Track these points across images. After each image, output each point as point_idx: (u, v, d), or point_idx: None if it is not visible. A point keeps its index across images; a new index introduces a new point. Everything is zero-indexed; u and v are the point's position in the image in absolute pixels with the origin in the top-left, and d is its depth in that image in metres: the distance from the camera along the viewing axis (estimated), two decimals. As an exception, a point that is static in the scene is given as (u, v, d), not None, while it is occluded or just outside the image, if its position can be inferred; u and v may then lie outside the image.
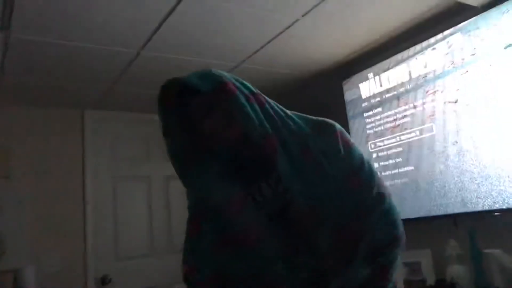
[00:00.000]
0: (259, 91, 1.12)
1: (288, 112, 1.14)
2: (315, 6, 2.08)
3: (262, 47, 2.50)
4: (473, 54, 2.13)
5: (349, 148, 1.12)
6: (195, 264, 1.13)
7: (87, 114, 3.26)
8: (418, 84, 2.40)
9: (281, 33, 2.33)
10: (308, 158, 1.07)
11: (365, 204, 1.08)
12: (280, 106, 1.14)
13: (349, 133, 2.77)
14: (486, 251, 2.02)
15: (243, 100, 1.05)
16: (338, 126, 1.16)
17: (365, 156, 1.17)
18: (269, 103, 1.11)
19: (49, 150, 3.06)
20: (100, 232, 3.14)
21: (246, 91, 1.08)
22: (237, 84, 1.09)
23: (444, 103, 2.25)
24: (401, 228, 1.14)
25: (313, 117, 1.17)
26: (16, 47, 2.17)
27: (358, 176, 1.10)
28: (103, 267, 3.08)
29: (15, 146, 2.93)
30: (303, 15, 2.17)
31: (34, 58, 2.32)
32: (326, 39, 2.48)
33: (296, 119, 1.12)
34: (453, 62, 2.23)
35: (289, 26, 2.27)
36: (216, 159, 1.10)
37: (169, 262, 3.32)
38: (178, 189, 3.64)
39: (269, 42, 2.43)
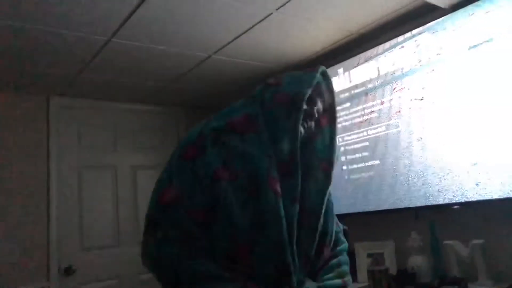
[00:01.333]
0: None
1: None
2: (290, 0, 2.09)
3: (234, 39, 2.50)
4: (439, 54, 2.21)
5: None
6: (184, 188, 1.03)
7: (52, 100, 3.17)
8: (386, 81, 2.47)
9: (254, 25, 2.34)
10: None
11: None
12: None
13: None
14: (445, 242, 2.11)
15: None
16: None
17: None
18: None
19: (13, 136, 2.96)
20: (64, 222, 3.07)
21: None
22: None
23: (411, 100, 2.33)
24: None
25: None
26: (-22, 28, 2.08)
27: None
28: (68, 257, 3.02)
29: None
30: (276, 9, 2.18)
31: (1, 41, 2.23)
32: (298, 33, 2.51)
33: None
34: (420, 61, 2.30)
35: (262, 19, 2.28)
36: None
37: (136, 253, 3.27)
38: (145, 179, 3.63)
39: (242, 34, 2.43)
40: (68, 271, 2.99)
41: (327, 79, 1.19)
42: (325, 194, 1.14)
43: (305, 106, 1.10)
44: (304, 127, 1.13)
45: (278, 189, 1.04)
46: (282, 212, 1.02)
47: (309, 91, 1.10)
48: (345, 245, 1.26)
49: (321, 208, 1.12)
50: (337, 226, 1.27)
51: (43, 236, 2.95)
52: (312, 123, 1.17)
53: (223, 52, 2.67)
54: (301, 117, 1.09)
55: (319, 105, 1.17)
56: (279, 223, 1.01)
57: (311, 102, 1.13)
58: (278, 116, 1.09)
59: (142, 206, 3.42)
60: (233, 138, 1.08)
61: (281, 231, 1.01)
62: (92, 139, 3.33)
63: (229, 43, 2.54)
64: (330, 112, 1.21)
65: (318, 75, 1.14)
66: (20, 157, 2.96)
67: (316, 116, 1.17)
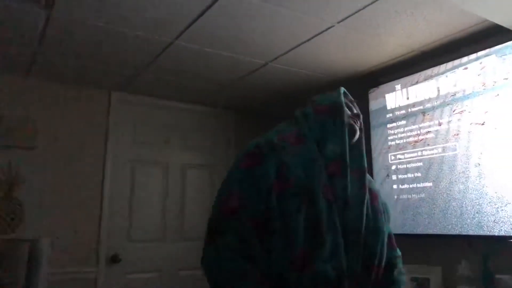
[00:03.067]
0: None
1: None
2: (352, 14, 2.09)
3: (293, 49, 2.51)
4: (506, 78, 2.12)
5: None
6: (245, 197, 1.08)
7: (114, 95, 3.32)
8: (446, 102, 2.39)
9: (314, 37, 2.35)
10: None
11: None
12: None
13: (369, 142, 2.80)
14: (498, 276, 2.02)
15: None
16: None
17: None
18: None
19: (74, 127, 3.13)
20: (115, 212, 3.20)
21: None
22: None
23: (471, 124, 2.24)
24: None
25: None
26: (55, 25, 2.22)
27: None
28: (115, 247, 3.16)
29: (42, 119, 3.01)
30: (338, 22, 2.18)
31: (71, 37, 2.37)
32: (357, 47, 2.49)
33: None
34: (484, 84, 2.22)
35: (323, 31, 2.28)
36: None
37: (178, 249, 3.39)
38: (194, 178, 3.74)
39: (300, 44, 2.45)
40: (115, 260, 3.12)
41: (348, 97, 1.33)
42: (363, 203, 1.17)
43: (349, 113, 1.26)
44: (354, 128, 1.25)
45: (331, 196, 1.11)
46: (336, 218, 1.09)
47: (343, 99, 1.26)
48: (402, 277, 1.25)
49: (361, 222, 1.15)
50: (394, 250, 1.29)
51: (95, 224, 3.10)
52: (357, 127, 1.27)
53: (280, 61, 2.69)
54: (345, 119, 1.21)
55: (355, 111, 1.30)
56: (334, 229, 1.08)
57: (349, 106, 1.29)
58: (323, 122, 1.21)
59: (189, 204, 3.52)
60: (286, 148, 1.16)
61: (336, 237, 1.07)
62: (146, 135, 3.46)
63: (287, 52, 2.56)
64: (362, 129, 1.31)
65: (341, 91, 1.30)
66: (79, 148, 3.13)
67: (358, 122, 1.27)
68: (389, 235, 1.31)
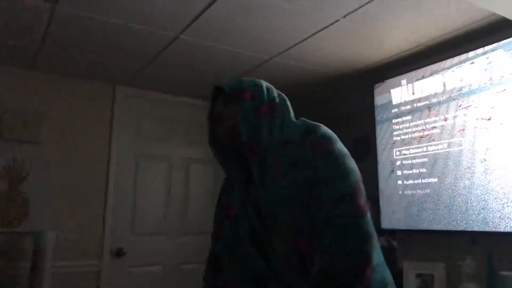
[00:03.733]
0: (275, 100, 1.24)
1: (291, 120, 1.21)
2: (358, 8, 2.07)
3: (297, 43, 2.50)
4: (513, 73, 2.09)
5: (323, 157, 1.06)
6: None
7: (118, 90, 3.32)
8: (452, 97, 2.37)
9: (319, 31, 2.33)
10: (276, 165, 1.11)
11: (319, 221, 1.01)
12: (287, 114, 1.22)
13: (375, 137, 2.78)
14: (503, 273, 2.00)
15: (249, 107, 1.18)
16: (320, 133, 1.12)
17: (353, 170, 1.07)
18: (274, 113, 1.19)
19: (79, 121, 3.14)
20: (119, 206, 3.22)
21: (259, 101, 1.19)
22: (255, 93, 1.21)
23: (477, 119, 2.22)
24: (364, 262, 0.95)
25: (310, 124, 1.17)
26: (60, 19, 2.22)
27: (318, 189, 1.03)
28: (119, 240, 3.17)
29: (48, 113, 3.01)
30: (344, 16, 2.16)
31: (75, 31, 2.37)
32: (363, 41, 2.46)
33: (291, 128, 1.17)
34: (491, 79, 2.19)
35: (328, 26, 2.27)
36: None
37: (181, 243, 3.40)
38: (197, 172, 3.73)
39: (306, 39, 2.43)
40: (119, 253, 3.14)
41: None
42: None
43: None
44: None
45: (231, 212, 1.24)
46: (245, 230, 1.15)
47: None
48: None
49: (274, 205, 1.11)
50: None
51: (99, 218, 3.11)
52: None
53: (285, 55, 2.68)
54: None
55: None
56: (243, 242, 1.15)
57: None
58: None
59: (193, 198, 3.52)
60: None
61: (246, 249, 1.14)
62: (150, 130, 3.46)
63: (292, 46, 2.55)
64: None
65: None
66: (84, 140, 3.14)
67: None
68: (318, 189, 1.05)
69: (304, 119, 1.20)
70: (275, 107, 1.20)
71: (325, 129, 1.14)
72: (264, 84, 1.27)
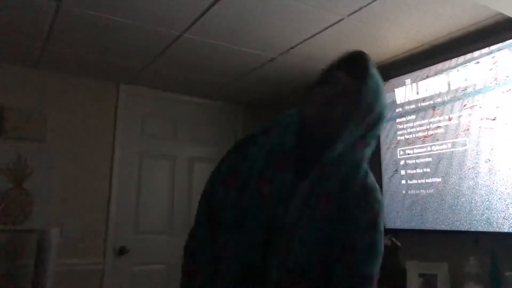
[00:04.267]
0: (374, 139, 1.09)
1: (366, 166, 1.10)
2: (363, 7, 2.06)
3: (302, 42, 2.49)
4: (518, 73, 2.08)
5: (368, 229, 1.04)
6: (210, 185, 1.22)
7: (122, 88, 3.33)
8: (456, 97, 2.36)
9: (324, 30, 2.33)
10: (323, 200, 1.05)
11: (335, 279, 1.01)
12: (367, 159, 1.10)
13: (379, 136, 2.77)
14: (507, 273, 2.00)
15: (359, 124, 1.06)
16: (378, 199, 1.06)
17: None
18: (365, 149, 1.06)
19: (83, 119, 3.15)
20: (123, 204, 3.22)
21: (364, 128, 1.05)
22: (371, 120, 1.04)
23: (481, 119, 2.21)
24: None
25: (372, 180, 1.10)
26: (64, 17, 2.23)
27: (345, 252, 1.02)
28: (122, 238, 3.18)
29: (52, 111, 3.03)
30: (348, 15, 2.15)
31: (80, 29, 2.38)
32: (367, 40, 2.46)
33: (359, 172, 1.07)
34: (496, 79, 2.18)
35: (333, 24, 2.26)
36: None
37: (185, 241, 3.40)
38: (201, 171, 3.74)
39: (310, 37, 2.43)
40: (122, 251, 3.15)
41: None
42: (296, 201, 1.03)
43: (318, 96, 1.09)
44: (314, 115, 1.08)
45: (265, 189, 1.06)
46: (263, 213, 1.04)
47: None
48: None
49: (288, 220, 1.02)
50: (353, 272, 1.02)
51: (103, 216, 3.12)
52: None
53: (289, 54, 2.68)
54: (303, 106, 1.11)
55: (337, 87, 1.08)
56: (257, 223, 1.04)
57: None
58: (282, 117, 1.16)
59: (196, 197, 3.50)
60: (256, 144, 1.14)
61: (256, 232, 1.03)
62: (154, 128, 3.47)
63: (296, 45, 2.54)
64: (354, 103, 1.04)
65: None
66: (88, 139, 3.15)
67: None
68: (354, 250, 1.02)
69: (367, 167, 1.09)
70: (368, 145, 1.06)
71: (379, 194, 1.08)
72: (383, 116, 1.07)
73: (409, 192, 2.53)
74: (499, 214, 2.06)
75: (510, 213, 2.01)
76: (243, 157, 1.12)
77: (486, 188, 2.13)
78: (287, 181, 1.05)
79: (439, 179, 2.37)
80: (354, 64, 1.09)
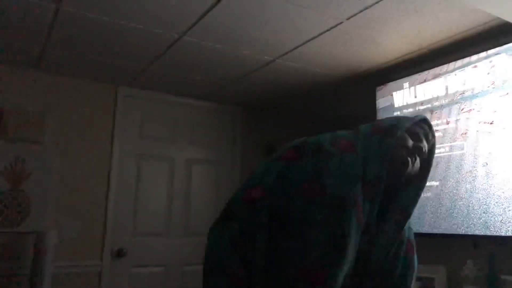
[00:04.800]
0: None
1: None
2: (361, 11, 2.07)
3: (301, 45, 2.50)
4: (516, 77, 2.09)
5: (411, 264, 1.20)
6: (270, 188, 1.02)
7: (120, 90, 3.33)
8: (454, 100, 2.37)
9: (322, 33, 2.33)
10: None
11: None
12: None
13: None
14: (504, 277, 2.00)
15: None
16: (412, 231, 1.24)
17: None
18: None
19: (82, 121, 3.14)
20: (121, 206, 3.22)
21: None
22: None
23: (479, 123, 2.22)
24: None
25: None
26: (64, 19, 2.23)
27: None
28: (120, 240, 3.17)
29: (50, 113, 3.02)
30: (347, 19, 2.16)
31: (79, 31, 2.38)
32: (366, 44, 2.47)
33: None
34: (493, 83, 2.19)
35: (331, 28, 2.27)
36: None
37: (183, 244, 3.40)
38: (199, 173, 3.74)
39: (309, 40, 2.43)
40: (120, 253, 3.14)
41: (430, 129, 1.15)
42: (389, 250, 1.09)
43: (410, 142, 1.08)
44: (404, 159, 1.07)
45: (362, 217, 0.99)
46: (357, 242, 0.99)
47: (409, 123, 1.09)
48: None
49: (382, 268, 1.07)
50: None
51: (100, 217, 3.11)
52: (417, 162, 1.10)
53: (288, 57, 2.68)
54: (394, 143, 1.05)
55: (425, 144, 1.11)
56: (354, 252, 0.98)
57: (416, 137, 1.10)
58: (372, 143, 1.07)
59: (194, 199, 3.52)
60: (334, 153, 1.04)
61: (352, 261, 0.98)
62: (152, 130, 3.46)
63: (295, 48, 2.55)
64: (427, 167, 1.16)
65: (419, 119, 1.14)
66: (86, 140, 3.14)
67: (425, 153, 1.12)
68: None
69: None
70: None
71: None
72: None
73: (407, 195, 2.53)
74: (496, 218, 2.06)
75: (507, 217, 2.02)
76: (321, 169, 1.01)
77: (484, 191, 2.14)
78: (373, 214, 1.03)
79: (436, 183, 2.38)
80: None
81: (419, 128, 1.11)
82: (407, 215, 1.11)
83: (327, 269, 0.93)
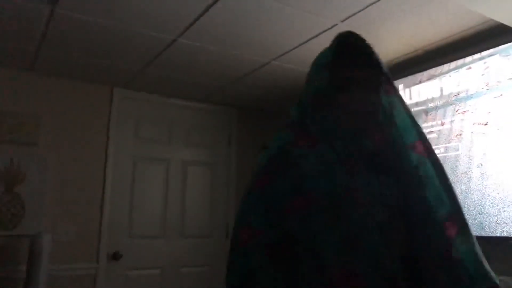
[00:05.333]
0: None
1: None
2: (356, 13, 2.08)
3: (296, 47, 2.51)
4: (510, 78, 2.10)
5: None
6: (257, 223, 0.93)
7: (116, 92, 3.32)
8: (449, 102, 2.38)
9: (317, 35, 2.34)
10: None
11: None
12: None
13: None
14: (500, 277, 2.01)
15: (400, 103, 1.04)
16: None
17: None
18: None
19: (77, 123, 3.13)
20: (116, 208, 3.21)
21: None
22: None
23: (473, 124, 2.24)
24: None
25: None
26: (58, 21, 2.22)
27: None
28: (116, 243, 3.16)
29: (45, 115, 3.01)
30: (342, 21, 2.17)
31: (74, 33, 2.37)
32: (361, 46, 2.47)
33: None
34: (487, 84, 2.20)
35: (326, 30, 2.28)
36: None
37: (179, 246, 3.39)
38: (195, 175, 3.73)
39: (304, 43, 2.44)
40: (115, 256, 3.13)
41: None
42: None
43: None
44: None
45: (359, 199, 0.91)
46: (373, 222, 0.89)
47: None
48: None
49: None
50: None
51: (96, 220, 3.10)
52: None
53: (283, 59, 2.69)
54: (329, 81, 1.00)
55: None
56: (372, 234, 0.88)
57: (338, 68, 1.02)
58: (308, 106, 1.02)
59: (190, 201, 3.52)
60: (302, 155, 0.97)
61: (375, 244, 0.87)
62: (148, 132, 3.46)
63: (290, 50, 2.55)
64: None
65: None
66: (81, 143, 3.13)
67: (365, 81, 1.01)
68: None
69: None
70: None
71: None
72: None
73: (402, 196, 2.54)
74: (491, 219, 2.07)
75: (502, 218, 2.03)
76: (300, 176, 0.95)
77: (479, 192, 2.15)
78: (373, 181, 0.95)
79: (432, 184, 2.39)
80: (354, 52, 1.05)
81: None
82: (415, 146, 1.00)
83: (352, 270, 0.86)
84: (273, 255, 0.89)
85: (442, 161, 2.30)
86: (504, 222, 2.02)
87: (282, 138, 1.05)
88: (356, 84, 1.02)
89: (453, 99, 2.36)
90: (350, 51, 1.05)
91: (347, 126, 1.00)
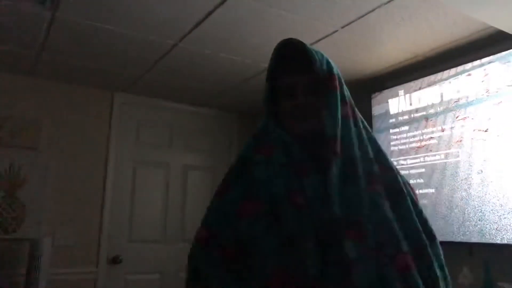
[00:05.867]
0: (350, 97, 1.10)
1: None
2: (356, 19, 2.08)
3: (297, 53, 2.51)
4: (509, 85, 2.11)
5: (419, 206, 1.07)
6: (213, 227, 1.00)
7: (116, 96, 3.33)
8: (449, 108, 2.39)
9: (318, 41, 2.35)
10: (370, 184, 0.98)
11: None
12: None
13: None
14: (500, 284, 2.01)
15: (337, 100, 1.02)
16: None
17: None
18: (356, 115, 1.08)
19: (78, 127, 3.14)
20: (116, 212, 3.21)
21: (341, 94, 1.05)
22: (340, 82, 1.07)
23: (474, 130, 2.24)
24: None
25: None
26: (59, 26, 2.23)
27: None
28: (116, 247, 3.16)
29: (46, 119, 3.02)
30: (342, 27, 2.18)
31: (75, 38, 2.38)
32: (361, 52, 2.48)
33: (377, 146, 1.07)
34: (487, 91, 2.21)
35: (326, 36, 2.28)
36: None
37: (179, 250, 3.38)
38: (195, 180, 3.72)
39: (305, 48, 2.44)
40: (115, 260, 3.12)
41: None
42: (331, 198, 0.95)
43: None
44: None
45: (300, 200, 0.93)
46: (309, 223, 0.90)
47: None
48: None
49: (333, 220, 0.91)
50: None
51: (96, 224, 3.10)
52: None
53: (284, 65, 2.69)
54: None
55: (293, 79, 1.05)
56: (306, 235, 0.89)
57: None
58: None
59: (190, 205, 3.51)
60: (259, 163, 1.00)
61: (306, 244, 0.89)
62: (148, 136, 3.46)
63: (290, 56, 2.56)
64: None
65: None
66: (82, 147, 3.14)
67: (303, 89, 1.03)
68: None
69: None
70: (354, 107, 1.07)
71: None
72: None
73: (402, 202, 2.54)
74: (491, 225, 2.07)
75: (502, 225, 2.03)
76: (252, 181, 0.99)
77: (479, 199, 2.15)
78: (317, 183, 0.95)
79: (432, 190, 2.39)
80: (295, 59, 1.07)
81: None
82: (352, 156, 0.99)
83: (285, 270, 0.88)
84: (224, 255, 0.94)
85: (443, 167, 2.28)
86: (504, 229, 2.02)
87: (246, 147, 1.10)
88: (300, 89, 1.04)
89: (453, 105, 2.37)
90: (291, 58, 1.08)
91: (298, 131, 1.03)
